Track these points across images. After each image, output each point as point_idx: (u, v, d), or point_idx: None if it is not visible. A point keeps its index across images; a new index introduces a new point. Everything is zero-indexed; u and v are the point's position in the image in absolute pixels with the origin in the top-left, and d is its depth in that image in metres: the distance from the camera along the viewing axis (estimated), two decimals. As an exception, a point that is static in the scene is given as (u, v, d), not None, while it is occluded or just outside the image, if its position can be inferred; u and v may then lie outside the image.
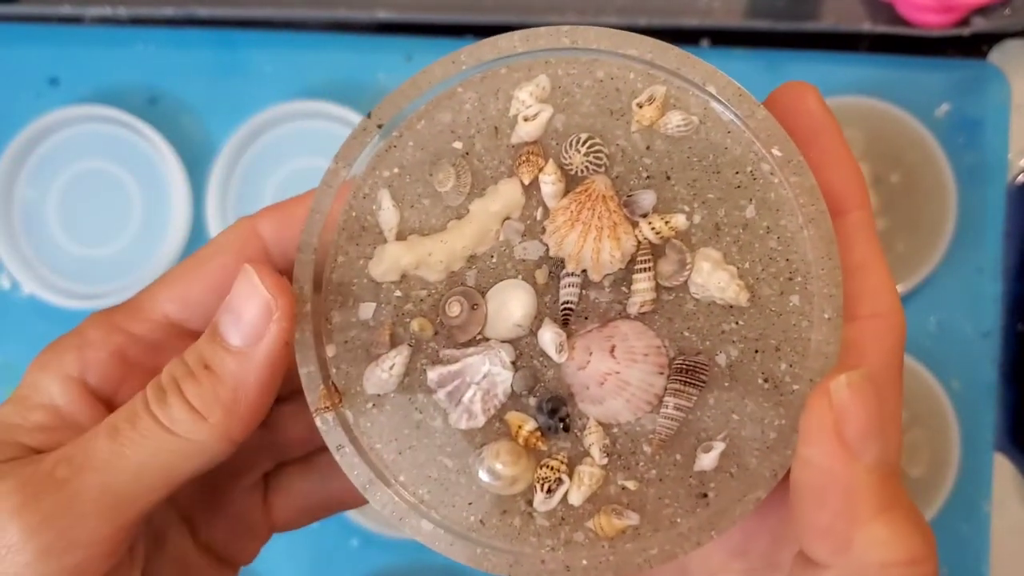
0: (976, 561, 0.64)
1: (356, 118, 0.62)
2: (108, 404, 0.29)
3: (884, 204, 0.63)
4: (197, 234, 0.63)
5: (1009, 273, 0.64)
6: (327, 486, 0.34)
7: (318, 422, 0.30)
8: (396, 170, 0.31)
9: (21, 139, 0.62)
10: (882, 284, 0.29)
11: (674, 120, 0.30)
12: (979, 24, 0.63)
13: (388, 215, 0.31)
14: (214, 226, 0.63)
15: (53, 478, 0.26)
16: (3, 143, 0.63)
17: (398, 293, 0.31)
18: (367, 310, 0.30)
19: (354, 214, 0.31)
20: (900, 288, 0.63)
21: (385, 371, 0.30)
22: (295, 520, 0.35)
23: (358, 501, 0.33)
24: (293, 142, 0.64)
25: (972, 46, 0.65)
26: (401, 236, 0.31)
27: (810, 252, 0.29)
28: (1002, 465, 0.64)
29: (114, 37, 0.64)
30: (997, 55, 0.65)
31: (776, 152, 0.29)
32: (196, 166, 0.63)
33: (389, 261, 0.30)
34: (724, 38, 0.64)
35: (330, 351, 0.30)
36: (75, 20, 0.64)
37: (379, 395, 0.30)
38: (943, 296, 0.64)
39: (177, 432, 0.26)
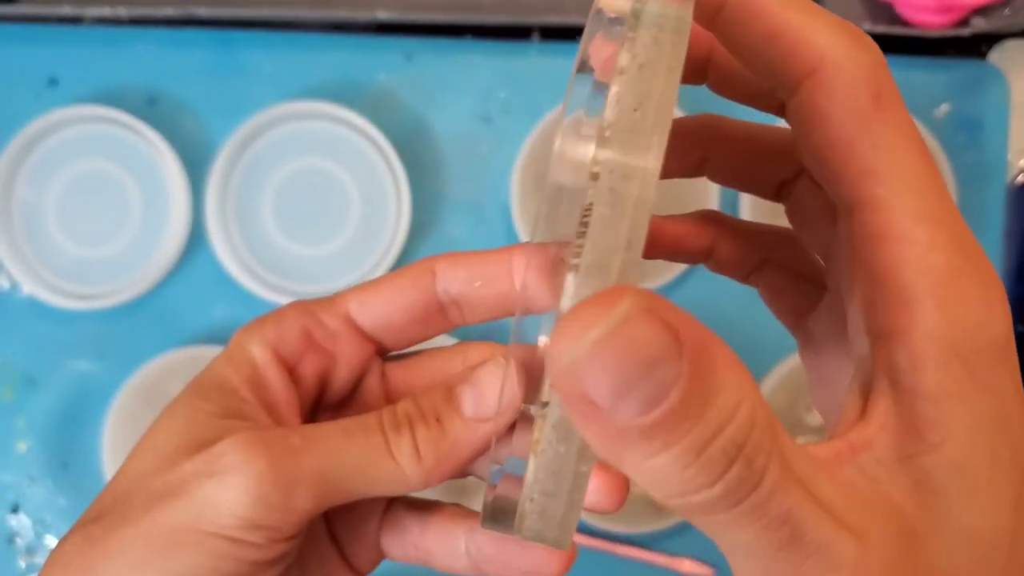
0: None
1: (356, 119, 0.62)
2: (291, 370, 0.33)
3: (884, 204, 0.63)
4: (196, 234, 0.63)
5: (1009, 274, 0.64)
6: (424, 532, 0.35)
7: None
8: None
9: (20, 139, 0.62)
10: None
11: None
12: (979, 24, 0.63)
13: None
14: (213, 226, 0.63)
15: (288, 443, 0.29)
16: (2, 143, 0.62)
17: None
18: None
19: None
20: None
21: None
22: (394, 550, 0.36)
23: (444, 564, 0.35)
24: (293, 142, 0.64)
25: (972, 46, 0.65)
26: None
27: None
28: (1002, 465, 0.64)
29: (113, 37, 0.64)
30: (997, 55, 0.65)
31: None
32: (195, 166, 0.63)
33: None
34: (724, 38, 0.64)
35: None
36: (75, 20, 0.64)
37: None
38: (943, 296, 0.64)
39: (396, 457, 0.30)
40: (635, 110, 0.20)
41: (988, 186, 0.65)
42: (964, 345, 0.21)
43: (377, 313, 0.33)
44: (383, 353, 0.34)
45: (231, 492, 0.28)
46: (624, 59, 0.20)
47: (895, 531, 0.21)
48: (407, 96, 0.65)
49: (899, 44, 0.64)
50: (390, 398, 0.35)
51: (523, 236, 0.62)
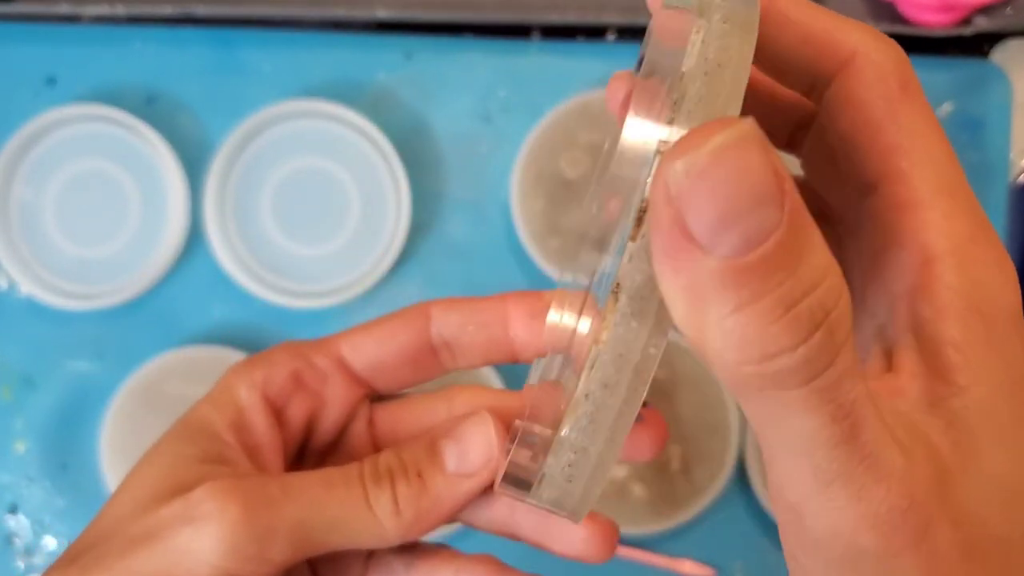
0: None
1: (355, 117, 0.62)
2: (278, 413, 0.33)
3: (886, 204, 0.63)
4: (195, 234, 0.63)
5: (1011, 273, 0.64)
6: (410, 574, 0.35)
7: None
8: None
9: (18, 139, 0.62)
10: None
11: None
12: (981, 23, 0.63)
13: None
14: (212, 226, 0.62)
15: (266, 492, 0.29)
16: (0, 143, 0.62)
17: None
18: None
19: None
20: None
21: None
22: None
23: None
24: (292, 141, 0.64)
25: (974, 45, 0.65)
26: None
27: None
28: (1004, 466, 0.64)
29: (112, 36, 0.64)
30: (999, 54, 0.65)
31: None
32: (194, 165, 0.63)
33: None
34: (725, 37, 0.64)
35: None
36: (73, 19, 0.64)
37: None
38: (945, 296, 0.64)
39: (375, 512, 0.30)
40: (724, 22, 0.21)
41: (990, 186, 0.64)
42: (982, 305, 0.22)
43: (370, 354, 0.33)
44: (373, 397, 0.34)
45: (206, 540, 0.28)
46: (695, 35, 0.21)
47: (932, 468, 0.21)
48: (407, 95, 0.64)
49: (901, 43, 0.63)
50: (377, 443, 0.34)
51: (523, 235, 0.62)
